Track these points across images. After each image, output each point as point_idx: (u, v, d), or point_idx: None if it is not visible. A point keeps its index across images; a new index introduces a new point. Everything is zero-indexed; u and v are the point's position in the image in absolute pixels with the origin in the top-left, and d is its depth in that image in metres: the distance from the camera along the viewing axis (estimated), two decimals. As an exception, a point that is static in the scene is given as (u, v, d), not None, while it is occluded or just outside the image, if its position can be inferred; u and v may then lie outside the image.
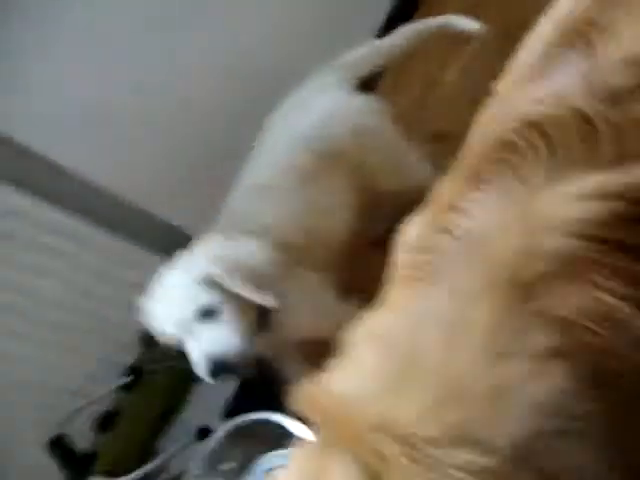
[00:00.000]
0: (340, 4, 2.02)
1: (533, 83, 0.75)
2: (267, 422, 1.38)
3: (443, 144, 1.92)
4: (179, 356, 1.84)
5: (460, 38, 1.96)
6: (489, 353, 0.62)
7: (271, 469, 1.47)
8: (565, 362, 0.60)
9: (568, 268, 0.63)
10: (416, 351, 0.62)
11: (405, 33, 1.62)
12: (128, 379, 1.79)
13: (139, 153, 1.70)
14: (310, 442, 0.68)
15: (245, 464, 1.46)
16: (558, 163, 0.66)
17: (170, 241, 1.86)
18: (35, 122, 1.51)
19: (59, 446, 1.60)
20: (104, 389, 1.77)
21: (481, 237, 0.65)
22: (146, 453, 1.85)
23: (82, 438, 1.75)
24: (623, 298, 0.59)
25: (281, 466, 1.49)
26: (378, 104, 1.57)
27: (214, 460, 1.43)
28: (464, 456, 0.57)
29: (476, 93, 1.85)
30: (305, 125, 1.46)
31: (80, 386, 1.75)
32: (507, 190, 0.66)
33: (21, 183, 1.50)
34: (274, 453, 1.46)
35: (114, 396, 1.82)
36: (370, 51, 1.63)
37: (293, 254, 1.41)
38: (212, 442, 1.43)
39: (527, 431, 0.58)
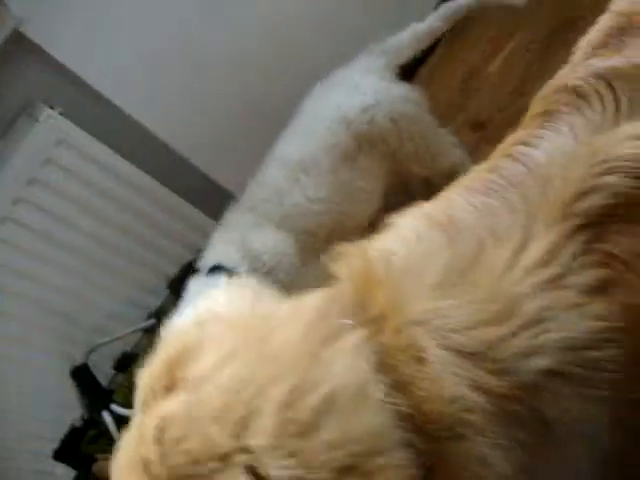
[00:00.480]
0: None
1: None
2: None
3: (482, 133, 1.96)
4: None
5: (506, 29, 2.00)
6: (542, 277, 0.65)
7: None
8: (604, 300, 0.60)
9: (625, 207, 0.66)
10: (479, 255, 0.64)
11: (444, 14, 1.65)
12: (151, 322, 1.84)
13: (190, 106, 1.75)
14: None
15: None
16: (622, 110, 0.70)
17: (209, 195, 1.92)
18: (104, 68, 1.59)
19: (81, 375, 1.65)
20: (128, 329, 1.82)
21: (545, 166, 0.68)
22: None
23: (100, 374, 1.80)
24: None
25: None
26: (417, 92, 1.60)
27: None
28: (477, 372, 0.57)
29: (518, 85, 1.91)
30: (347, 106, 1.48)
31: (106, 323, 1.80)
32: (573, 128, 0.70)
33: (84, 122, 1.58)
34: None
35: (137, 337, 1.87)
36: (411, 36, 1.65)
37: (314, 242, 1.44)
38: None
39: (546, 365, 0.58)
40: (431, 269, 0.62)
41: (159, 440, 0.55)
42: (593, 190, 0.64)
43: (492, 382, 0.56)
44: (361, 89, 1.53)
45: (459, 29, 1.91)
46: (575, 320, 0.60)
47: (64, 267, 1.67)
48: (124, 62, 1.60)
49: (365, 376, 0.56)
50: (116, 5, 1.56)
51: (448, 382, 0.56)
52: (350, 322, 0.59)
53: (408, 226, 0.66)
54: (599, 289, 0.63)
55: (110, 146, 1.64)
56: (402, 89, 1.57)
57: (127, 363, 1.85)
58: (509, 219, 0.65)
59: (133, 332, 1.83)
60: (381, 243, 0.66)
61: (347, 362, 0.57)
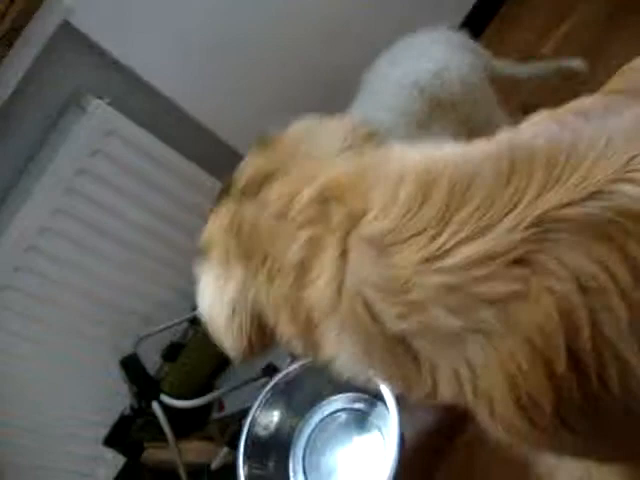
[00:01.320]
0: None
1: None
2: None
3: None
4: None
5: (561, 12, 1.94)
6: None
7: (336, 411, 1.51)
8: None
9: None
10: None
11: None
12: (197, 313, 1.84)
13: (242, 97, 1.75)
14: None
15: (313, 401, 1.51)
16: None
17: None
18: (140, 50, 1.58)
19: (131, 365, 1.67)
20: (176, 319, 1.83)
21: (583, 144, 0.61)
22: (205, 389, 1.92)
23: (149, 364, 1.82)
24: None
25: (344, 410, 1.54)
26: (486, 58, 1.59)
27: (287, 389, 1.47)
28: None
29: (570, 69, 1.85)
30: (420, 72, 1.48)
31: (154, 313, 1.83)
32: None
33: (132, 112, 1.59)
34: (341, 396, 1.50)
35: (184, 328, 1.88)
36: None
37: None
38: (287, 372, 1.47)
39: None
40: None
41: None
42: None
43: None
44: (433, 54, 1.53)
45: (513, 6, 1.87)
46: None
47: (113, 258, 1.70)
48: (173, 52, 1.60)
49: None
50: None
51: None
52: None
53: None
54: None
55: (158, 136, 1.64)
56: (473, 56, 1.56)
57: (174, 353, 1.87)
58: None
59: (180, 322, 1.85)
60: None
61: None
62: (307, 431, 1.52)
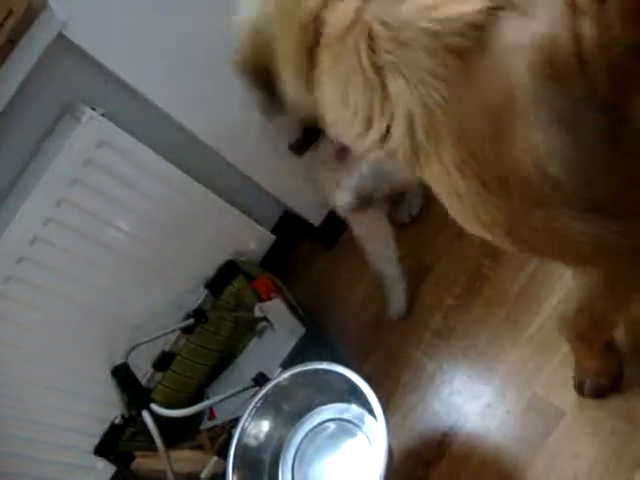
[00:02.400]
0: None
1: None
2: (329, 373, 1.44)
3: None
4: (242, 306, 1.94)
5: None
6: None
7: (325, 421, 1.54)
8: None
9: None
10: None
11: None
12: (190, 322, 1.87)
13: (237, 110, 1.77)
14: None
15: (303, 410, 1.53)
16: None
17: (250, 197, 1.96)
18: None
19: (122, 374, 1.69)
20: (167, 328, 1.86)
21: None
22: (196, 398, 1.94)
23: (139, 373, 1.85)
24: None
25: (333, 420, 1.57)
26: None
27: (276, 399, 1.50)
28: None
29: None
30: None
31: (145, 322, 1.85)
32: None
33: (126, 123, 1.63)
34: (331, 406, 1.53)
35: (175, 337, 1.91)
36: None
37: None
38: (277, 381, 1.50)
39: None
40: None
41: None
42: None
43: None
44: None
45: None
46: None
47: (104, 267, 1.72)
48: (169, 64, 1.62)
49: None
50: (160, 7, 1.58)
51: None
52: None
53: None
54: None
55: (152, 147, 1.67)
56: None
57: (165, 362, 1.89)
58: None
59: (172, 332, 1.87)
60: None
61: None
62: (296, 441, 1.55)
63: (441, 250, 1.81)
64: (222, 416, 1.86)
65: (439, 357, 1.65)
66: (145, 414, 1.58)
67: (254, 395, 1.63)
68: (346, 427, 1.53)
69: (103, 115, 1.59)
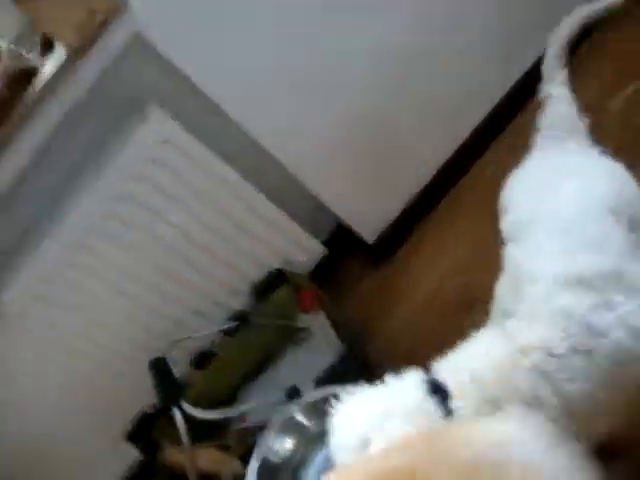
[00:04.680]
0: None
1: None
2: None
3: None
4: (285, 315, 1.98)
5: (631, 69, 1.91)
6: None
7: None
8: None
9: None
10: None
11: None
12: (233, 324, 1.93)
13: (310, 126, 1.81)
14: None
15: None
16: None
17: (314, 217, 2.00)
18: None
19: (159, 367, 1.76)
20: (209, 328, 1.92)
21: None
22: (230, 399, 1.99)
23: (177, 369, 1.91)
24: None
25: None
26: None
27: (304, 417, 1.53)
28: None
29: (637, 124, 1.83)
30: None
31: (188, 319, 1.91)
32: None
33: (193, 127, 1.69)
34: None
35: (216, 337, 1.96)
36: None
37: None
38: (307, 399, 1.53)
39: None
40: None
41: None
42: None
43: None
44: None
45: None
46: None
47: (157, 262, 1.79)
48: (245, 73, 1.67)
49: None
50: (241, 15, 1.62)
51: None
52: None
53: None
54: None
55: (216, 153, 1.73)
56: None
57: (204, 361, 1.95)
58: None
59: (214, 332, 1.93)
60: None
61: None
62: (318, 461, 1.58)
63: None
64: (252, 419, 1.90)
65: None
66: (175, 410, 1.64)
67: (283, 408, 1.68)
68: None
69: (172, 117, 1.66)
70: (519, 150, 1.33)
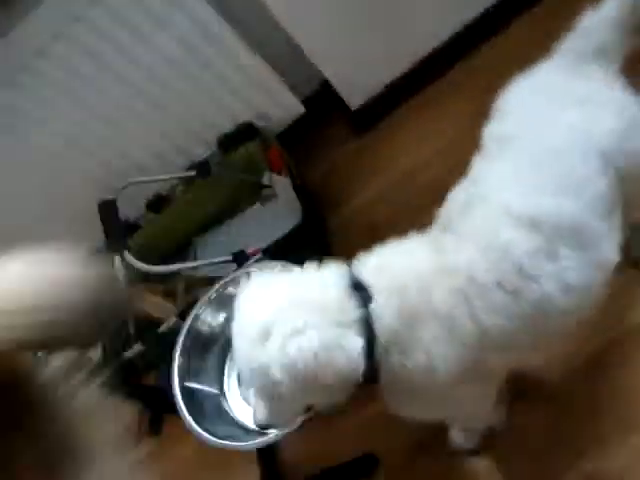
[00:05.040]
0: None
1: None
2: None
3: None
4: (249, 171, 1.89)
5: None
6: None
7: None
8: None
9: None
10: None
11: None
12: (192, 173, 1.84)
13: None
14: None
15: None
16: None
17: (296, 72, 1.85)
18: None
19: (107, 210, 1.70)
20: (169, 173, 1.84)
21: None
22: (180, 247, 1.97)
23: (132, 211, 1.88)
24: None
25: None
26: None
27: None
28: None
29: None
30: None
31: (148, 163, 1.83)
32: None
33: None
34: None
35: (175, 184, 1.89)
36: None
37: None
38: (240, 275, 1.50)
39: None
40: None
41: None
42: None
43: None
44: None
45: None
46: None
47: (123, 96, 1.69)
48: None
49: None
50: None
51: None
52: None
53: None
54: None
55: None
56: None
57: (159, 205, 1.90)
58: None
59: (172, 178, 1.85)
60: None
61: None
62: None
63: None
64: (203, 270, 1.89)
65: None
66: (115, 258, 1.61)
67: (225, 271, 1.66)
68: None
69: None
70: (542, 41, 1.11)
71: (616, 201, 1.01)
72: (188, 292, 1.88)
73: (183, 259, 1.96)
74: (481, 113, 1.74)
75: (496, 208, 0.99)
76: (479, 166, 1.12)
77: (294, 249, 1.67)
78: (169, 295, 1.86)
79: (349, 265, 1.02)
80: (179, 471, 1.77)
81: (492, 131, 1.15)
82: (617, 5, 1.11)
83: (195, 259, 1.94)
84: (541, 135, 1.05)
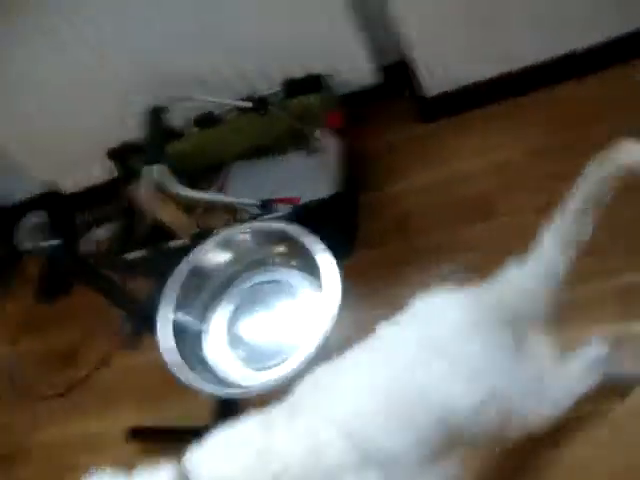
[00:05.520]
0: None
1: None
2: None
3: None
4: (303, 121, 1.87)
5: None
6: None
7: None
8: None
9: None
10: None
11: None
12: (248, 104, 1.83)
13: None
14: None
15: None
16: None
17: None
18: None
19: (155, 116, 1.71)
20: (226, 97, 1.83)
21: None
22: (212, 169, 1.99)
23: (179, 122, 1.90)
24: None
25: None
26: None
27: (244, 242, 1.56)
28: None
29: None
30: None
31: (211, 82, 1.83)
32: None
33: None
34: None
35: (229, 110, 1.88)
36: None
37: None
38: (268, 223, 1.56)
39: None
40: None
41: None
42: None
43: None
44: None
45: None
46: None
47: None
48: None
49: None
50: None
51: None
52: None
53: None
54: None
55: None
56: None
57: (208, 123, 1.90)
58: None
59: (228, 104, 1.84)
60: None
61: None
62: (245, 285, 1.61)
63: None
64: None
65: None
66: (153, 168, 1.63)
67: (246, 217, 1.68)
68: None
69: None
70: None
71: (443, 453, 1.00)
72: (207, 213, 1.90)
73: (210, 180, 1.98)
74: (550, 148, 1.72)
75: (328, 411, 0.98)
76: (353, 355, 1.07)
77: (323, 219, 1.67)
78: (189, 210, 1.88)
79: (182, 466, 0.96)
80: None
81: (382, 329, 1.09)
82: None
83: (223, 185, 1.96)
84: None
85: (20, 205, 2.48)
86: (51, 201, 2.39)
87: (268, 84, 1.86)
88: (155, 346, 1.47)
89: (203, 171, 1.98)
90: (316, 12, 1.69)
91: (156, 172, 1.63)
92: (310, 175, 1.84)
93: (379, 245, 1.80)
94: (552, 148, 1.73)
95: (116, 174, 2.03)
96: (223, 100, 1.82)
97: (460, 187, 1.80)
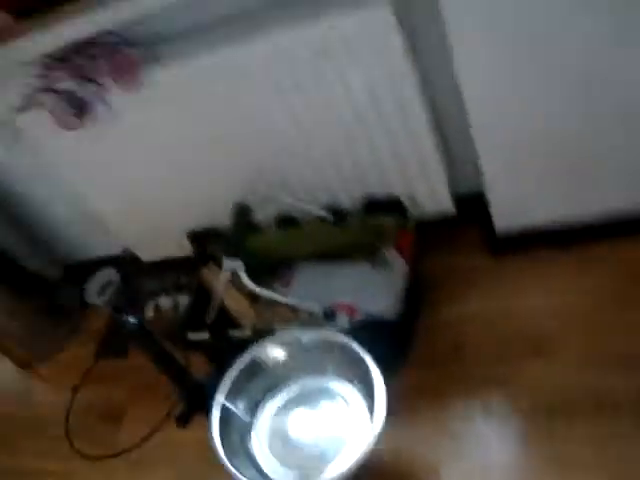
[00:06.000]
0: None
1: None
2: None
3: None
4: (377, 239, 1.97)
5: None
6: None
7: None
8: None
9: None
10: None
11: None
12: (328, 216, 1.97)
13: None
14: None
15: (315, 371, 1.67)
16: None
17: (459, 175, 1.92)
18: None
19: (242, 212, 1.86)
20: (308, 204, 1.98)
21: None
22: (280, 266, 2.09)
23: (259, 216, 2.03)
24: None
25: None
26: None
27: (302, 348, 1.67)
28: None
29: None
30: None
31: (295, 189, 1.98)
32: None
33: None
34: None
35: (309, 215, 2.02)
36: None
37: None
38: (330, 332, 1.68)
39: None
40: None
41: None
42: None
43: None
44: None
45: None
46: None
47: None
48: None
49: None
50: None
51: None
52: None
53: None
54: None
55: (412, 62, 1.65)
56: None
57: (286, 225, 2.04)
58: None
59: (309, 211, 1.98)
60: None
61: None
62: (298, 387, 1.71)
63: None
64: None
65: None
66: (227, 263, 1.76)
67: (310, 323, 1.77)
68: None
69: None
70: None
71: None
72: (271, 306, 2.00)
73: (277, 275, 2.08)
74: (615, 299, 1.75)
75: None
76: None
77: (376, 337, 1.74)
78: (254, 300, 1.98)
79: None
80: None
81: None
82: None
83: (288, 281, 2.06)
84: None
85: (97, 260, 2.66)
86: (126, 263, 2.55)
87: (348, 199, 1.99)
88: (201, 426, 1.57)
89: (271, 265, 2.08)
90: (404, 137, 1.82)
91: (235, 266, 1.77)
92: (372, 287, 1.91)
93: (429, 367, 1.86)
94: (617, 300, 1.80)
95: (191, 253, 2.18)
96: (305, 206, 1.95)
97: (512, 323, 1.86)
